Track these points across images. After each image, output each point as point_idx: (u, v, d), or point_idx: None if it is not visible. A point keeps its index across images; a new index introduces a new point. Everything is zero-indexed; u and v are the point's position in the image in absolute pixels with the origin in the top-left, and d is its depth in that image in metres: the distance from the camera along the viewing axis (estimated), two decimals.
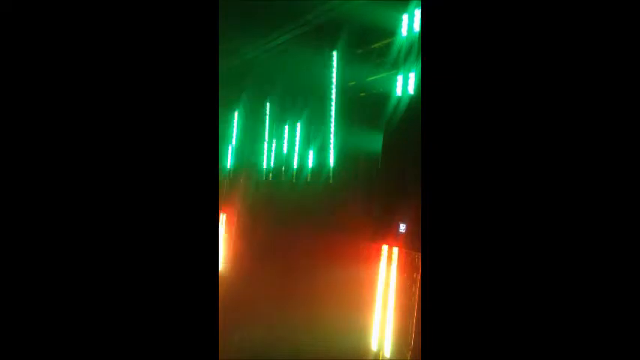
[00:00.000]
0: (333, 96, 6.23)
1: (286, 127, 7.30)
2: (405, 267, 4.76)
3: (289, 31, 7.02)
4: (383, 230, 5.03)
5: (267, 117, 7.80)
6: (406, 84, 4.99)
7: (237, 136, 8.66)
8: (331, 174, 6.22)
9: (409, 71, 4.97)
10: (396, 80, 5.08)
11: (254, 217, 7.81)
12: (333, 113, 6.22)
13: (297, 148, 7.02)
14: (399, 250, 4.87)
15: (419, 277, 4.52)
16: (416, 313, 4.54)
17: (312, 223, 6.31)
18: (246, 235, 7.89)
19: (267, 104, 7.81)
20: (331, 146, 6.22)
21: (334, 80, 6.24)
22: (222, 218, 8.55)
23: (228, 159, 8.79)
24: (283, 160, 7.32)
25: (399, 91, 5.05)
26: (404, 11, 5.06)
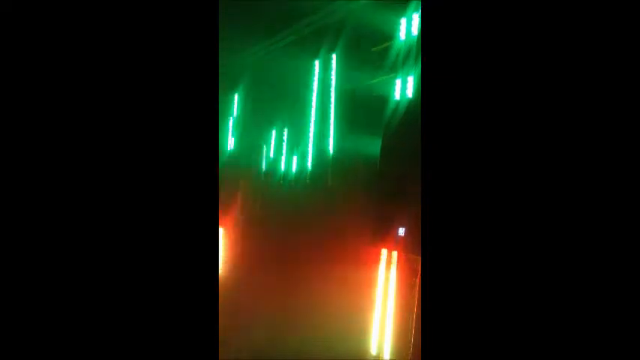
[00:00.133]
0: (332, 99, 6.24)
1: (286, 130, 7.29)
2: (404, 271, 4.76)
3: (288, 35, 7.03)
4: (382, 234, 5.03)
5: (265, 121, 7.79)
6: (404, 87, 4.99)
7: (234, 139, 8.65)
8: (330, 177, 6.21)
9: (407, 75, 4.97)
10: (394, 84, 5.09)
11: (252, 221, 7.80)
12: (332, 116, 6.22)
13: (295, 152, 7.01)
14: (398, 254, 4.86)
15: (418, 280, 4.52)
16: (415, 317, 4.53)
17: (311, 226, 6.30)
18: (245, 239, 7.88)
19: (265, 107, 7.80)
20: (330, 149, 6.22)
21: (333, 83, 6.25)
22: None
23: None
24: (281, 164, 7.32)
25: (397, 95, 5.06)
26: (402, 15, 5.07)
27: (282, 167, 7.25)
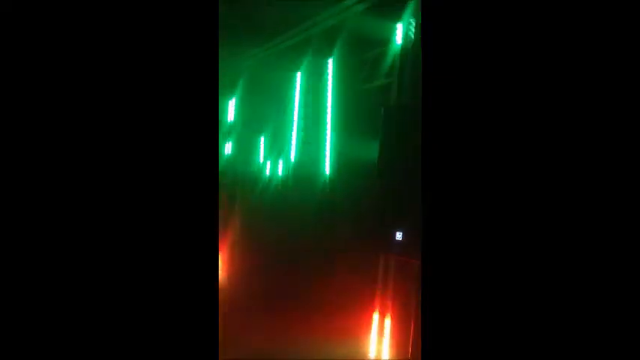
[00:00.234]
0: (329, 104, 6.24)
1: (285, 133, 7.30)
2: (402, 276, 4.75)
3: (285, 40, 7.04)
4: (380, 239, 5.02)
5: (262, 124, 7.80)
6: (401, 92, 4.99)
7: (232, 145, 8.66)
8: (327, 182, 6.21)
9: (404, 79, 4.98)
10: (390, 88, 5.09)
11: (250, 225, 7.80)
12: (328, 121, 6.22)
13: (292, 156, 7.01)
14: (396, 259, 4.85)
15: (417, 285, 4.51)
16: (414, 322, 4.53)
17: (308, 231, 6.30)
18: (243, 243, 7.87)
19: (262, 110, 7.81)
20: (327, 155, 6.21)
21: (329, 88, 6.26)
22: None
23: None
24: (278, 169, 7.32)
25: (394, 99, 5.06)
26: (398, 20, 5.08)
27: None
